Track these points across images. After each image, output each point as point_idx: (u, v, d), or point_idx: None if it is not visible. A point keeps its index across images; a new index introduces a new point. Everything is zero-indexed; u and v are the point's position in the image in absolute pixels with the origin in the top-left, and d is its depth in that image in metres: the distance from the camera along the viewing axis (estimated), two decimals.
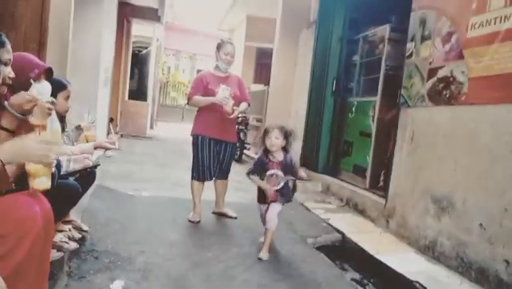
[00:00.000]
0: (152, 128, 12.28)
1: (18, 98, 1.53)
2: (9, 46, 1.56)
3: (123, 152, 7.00)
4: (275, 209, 2.96)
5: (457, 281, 2.59)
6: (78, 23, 5.58)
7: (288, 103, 6.16)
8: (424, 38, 3.24)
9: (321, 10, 5.52)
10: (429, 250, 2.97)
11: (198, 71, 16.47)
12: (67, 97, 2.36)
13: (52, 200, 1.44)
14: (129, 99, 11.15)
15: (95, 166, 2.50)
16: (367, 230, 3.59)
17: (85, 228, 2.72)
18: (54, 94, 2.25)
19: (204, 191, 3.73)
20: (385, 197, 3.65)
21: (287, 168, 2.94)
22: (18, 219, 1.15)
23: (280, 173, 2.93)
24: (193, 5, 15.59)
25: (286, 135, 2.92)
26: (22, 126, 1.67)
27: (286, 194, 2.99)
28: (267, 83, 7.81)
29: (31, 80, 1.80)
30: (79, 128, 2.62)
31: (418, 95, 3.23)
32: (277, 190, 2.94)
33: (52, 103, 1.73)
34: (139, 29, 11.88)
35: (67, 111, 2.38)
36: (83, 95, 5.33)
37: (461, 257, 2.66)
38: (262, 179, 2.97)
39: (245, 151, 8.01)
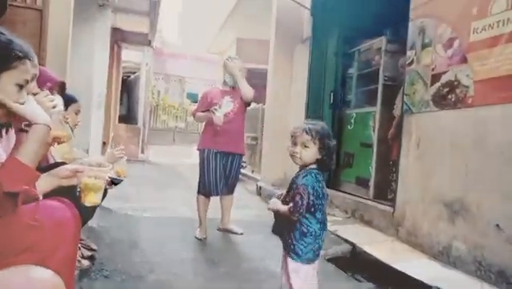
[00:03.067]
0: (143, 151, 12.15)
1: (38, 97, 1.49)
2: (36, 60, 1.54)
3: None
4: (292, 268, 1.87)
5: (476, 284, 2.55)
6: (72, 47, 5.57)
7: (285, 120, 6.16)
8: (424, 46, 3.29)
9: (314, 26, 5.60)
10: (444, 256, 2.92)
11: (188, 94, 16.52)
12: (78, 111, 2.32)
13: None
14: (120, 123, 11.07)
15: (119, 181, 2.41)
16: (378, 240, 3.54)
17: (94, 247, 2.63)
18: (65, 107, 2.22)
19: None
20: (393, 205, 3.62)
21: (292, 188, 1.90)
22: (52, 225, 1.08)
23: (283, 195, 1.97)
24: (181, 29, 15.77)
25: (322, 141, 1.86)
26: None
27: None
28: (259, 102, 7.85)
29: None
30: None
31: (422, 101, 3.25)
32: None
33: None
34: (128, 54, 11.93)
35: (76, 124, 2.34)
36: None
37: (479, 260, 2.63)
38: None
39: (241, 170, 7.95)
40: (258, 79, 10.23)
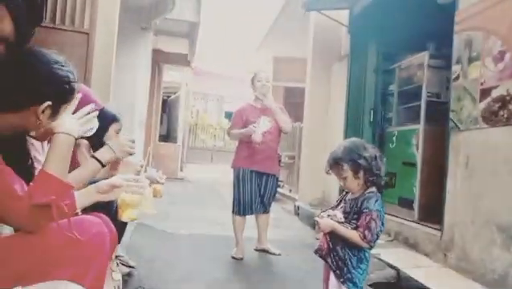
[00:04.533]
0: (182, 170, 12.36)
1: (122, 140, 1.58)
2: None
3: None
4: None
5: None
6: (115, 69, 5.80)
7: (323, 138, 6.06)
8: (471, 60, 3.13)
9: (352, 43, 5.53)
10: (500, 285, 2.69)
11: (226, 113, 16.74)
12: (118, 130, 2.36)
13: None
14: (159, 141, 11.35)
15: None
16: (424, 265, 3.33)
17: (132, 264, 2.63)
18: (106, 126, 2.26)
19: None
20: (440, 228, 3.41)
21: (355, 210, 1.78)
22: (88, 239, 1.07)
23: (339, 215, 1.81)
24: (219, 49, 16.13)
25: (351, 161, 1.75)
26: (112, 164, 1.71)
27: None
28: (296, 121, 7.79)
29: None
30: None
31: (470, 118, 3.07)
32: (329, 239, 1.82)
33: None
34: (168, 74, 12.29)
35: None
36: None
37: None
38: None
39: (278, 189, 7.86)
40: (295, 97, 10.21)
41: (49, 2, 3.66)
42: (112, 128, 2.31)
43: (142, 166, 1.79)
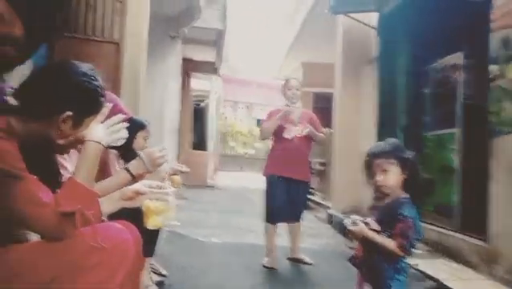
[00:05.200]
0: (213, 177, 12.44)
1: (153, 153, 1.56)
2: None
3: (189, 201, 7.05)
4: None
5: None
6: (145, 77, 5.91)
7: (354, 144, 5.91)
8: (509, 59, 2.95)
9: (382, 45, 5.38)
10: None
11: (256, 120, 16.75)
12: (146, 137, 2.37)
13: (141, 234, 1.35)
14: (189, 149, 11.46)
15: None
16: (467, 277, 3.14)
17: (164, 272, 2.62)
18: (133, 133, 2.28)
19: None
20: (484, 238, 3.21)
21: (388, 218, 1.67)
22: (112, 247, 1.05)
23: (372, 223, 1.68)
24: (247, 56, 16.23)
25: (397, 156, 1.67)
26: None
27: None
28: (326, 126, 7.65)
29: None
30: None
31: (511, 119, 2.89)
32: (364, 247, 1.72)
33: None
34: (198, 83, 12.43)
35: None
36: (150, 144, 5.48)
37: None
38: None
39: (310, 197, 7.74)
40: (324, 102, 10.06)
41: (79, 14, 3.75)
42: (140, 136, 2.33)
43: (167, 173, 1.78)
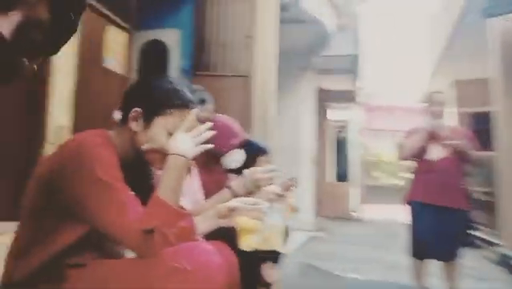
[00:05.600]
0: (358, 210, 11.85)
1: (255, 171, 1.49)
2: (210, 106, 1.58)
3: (330, 233, 6.77)
4: None
5: None
6: (278, 109, 6.03)
7: None
8: None
9: None
10: None
11: None
12: (267, 162, 2.28)
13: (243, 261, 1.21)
14: (331, 180, 11.20)
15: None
16: None
17: None
18: (254, 158, 2.22)
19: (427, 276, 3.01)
20: None
21: None
22: (196, 269, 0.93)
23: None
24: (387, 81, 15.41)
25: None
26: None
27: None
28: (487, 150, 6.51)
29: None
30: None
31: None
32: None
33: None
34: (335, 112, 12.26)
35: None
36: (286, 174, 5.45)
37: None
38: None
39: (475, 232, 6.57)
40: (482, 123, 8.69)
41: (212, 53, 4.05)
42: (260, 161, 2.25)
43: (274, 193, 1.62)
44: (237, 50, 4.04)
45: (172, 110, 1.09)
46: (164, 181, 1.01)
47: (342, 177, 12.07)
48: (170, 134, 1.08)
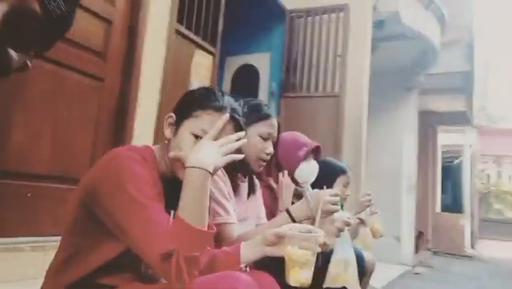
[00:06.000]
0: (472, 246, 10.45)
1: (323, 193, 1.33)
2: (274, 121, 1.48)
3: (435, 270, 6.03)
4: None
5: None
6: (377, 131, 5.67)
7: None
8: None
9: None
10: None
11: None
12: (347, 184, 2.11)
13: None
14: (439, 210, 10.13)
15: None
16: None
17: None
18: (333, 178, 2.06)
19: None
20: None
21: None
22: None
23: None
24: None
25: None
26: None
27: None
28: None
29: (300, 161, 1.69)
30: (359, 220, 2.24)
31: None
32: None
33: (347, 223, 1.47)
34: (447, 137, 11.14)
35: (345, 199, 2.10)
36: (385, 201, 5.04)
37: None
38: None
39: None
40: None
41: (305, 74, 3.98)
42: (340, 181, 2.08)
43: (347, 223, 1.43)
44: (328, 70, 3.92)
45: (199, 111, 0.99)
46: (183, 198, 0.90)
47: (453, 207, 10.82)
48: (195, 136, 0.98)
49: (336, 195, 1.37)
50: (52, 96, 1.94)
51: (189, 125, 0.99)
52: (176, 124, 1.01)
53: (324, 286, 1.40)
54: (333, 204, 1.33)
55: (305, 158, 1.69)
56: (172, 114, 1.02)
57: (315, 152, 1.78)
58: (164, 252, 0.82)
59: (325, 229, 1.34)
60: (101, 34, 2.20)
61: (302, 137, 1.78)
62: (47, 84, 1.92)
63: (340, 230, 1.42)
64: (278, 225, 1.24)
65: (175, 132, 1.00)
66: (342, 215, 1.43)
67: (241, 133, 0.99)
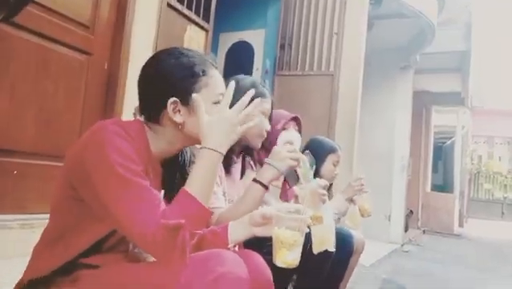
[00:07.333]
0: (461, 225, 10.63)
1: (282, 152, 1.28)
2: (269, 99, 1.46)
3: (424, 248, 6.14)
4: None
5: None
6: (372, 110, 5.65)
7: None
8: None
9: None
10: None
11: None
12: (337, 162, 2.10)
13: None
14: (430, 190, 10.24)
15: None
16: None
17: None
18: (323, 157, 2.05)
19: None
20: None
21: None
22: (208, 284, 0.80)
23: None
24: (507, 83, 13.57)
25: None
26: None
27: None
28: None
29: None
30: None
31: None
32: None
33: (325, 188, 1.44)
34: (440, 117, 11.15)
35: (334, 178, 2.10)
36: (377, 180, 5.07)
37: None
38: None
39: None
40: None
41: (300, 52, 3.92)
42: (330, 159, 2.07)
43: (325, 187, 1.41)
44: (323, 48, 3.86)
45: (203, 79, 0.96)
46: (195, 174, 0.90)
47: (443, 187, 10.95)
48: (216, 103, 0.96)
49: (293, 151, 1.31)
50: (37, 71, 1.88)
51: (204, 97, 0.95)
52: (184, 104, 0.95)
53: (315, 252, 1.41)
54: (292, 158, 1.29)
55: (283, 129, 1.73)
56: (173, 98, 0.95)
57: (298, 126, 1.81)
58: (169, 225, 0.80)
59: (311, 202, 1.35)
60: (89, 5, 2.12)
61: (282, 112, 1.80)
62: (32, 58, 1.85)
63: (323, 198, 1.41)
64: (253, 198, 1.23)
65: (187, 113, 0.96)
66: (318, 183, 1.42)
67: (251, 91, 0.97)
